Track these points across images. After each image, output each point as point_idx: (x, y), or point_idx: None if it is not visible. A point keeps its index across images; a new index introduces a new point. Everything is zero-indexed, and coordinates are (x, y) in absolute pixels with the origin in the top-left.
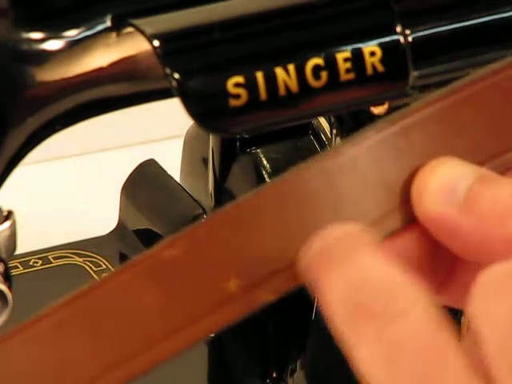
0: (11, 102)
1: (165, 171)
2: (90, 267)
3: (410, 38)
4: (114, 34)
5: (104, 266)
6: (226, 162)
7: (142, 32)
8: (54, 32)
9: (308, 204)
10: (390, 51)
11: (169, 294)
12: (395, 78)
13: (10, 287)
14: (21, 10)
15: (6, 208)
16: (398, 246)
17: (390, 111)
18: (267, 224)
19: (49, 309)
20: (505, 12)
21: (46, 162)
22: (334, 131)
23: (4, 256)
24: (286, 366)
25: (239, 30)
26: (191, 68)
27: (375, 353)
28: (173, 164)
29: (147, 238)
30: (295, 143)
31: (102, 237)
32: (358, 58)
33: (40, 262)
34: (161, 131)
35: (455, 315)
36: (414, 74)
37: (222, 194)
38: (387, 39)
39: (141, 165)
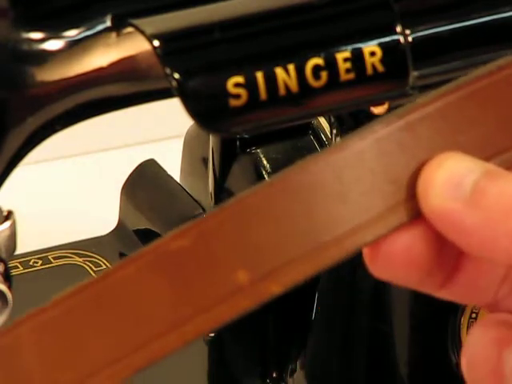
0: (11, 102)
1: (165, 171)
2: (90, 267)
3: (410, 38)
4: (113, 34)
5: (104, 266)
6: (225, 162)
7: (142, 32)
8: (54, 32)
9: (315, 197)
10: (390, 51)
11: (177, 284)
12: (395, 78)
13: (9, 287)
14: (21, 10)
15: (5, 208)
16: (403, 240)
17: (390, 111)
18: (275, 216)
19: (56, 299)
20: (505, 12)
21: (45, 162)
22: (334, 131)
23: (4, 256)
24: (286, 366)
25: (239, 30)
26: (191, 68)
27: None
28: (173, 164)
29: (147, 238)
30: (295, 143)
31: (101, 237)
32: (357, 57)
33: (40, 261)
34: (161, 131)
35: (455, 316)
36: (414, 74)
37: (222, 194)
38: (387, 39)
39: (141, 165)
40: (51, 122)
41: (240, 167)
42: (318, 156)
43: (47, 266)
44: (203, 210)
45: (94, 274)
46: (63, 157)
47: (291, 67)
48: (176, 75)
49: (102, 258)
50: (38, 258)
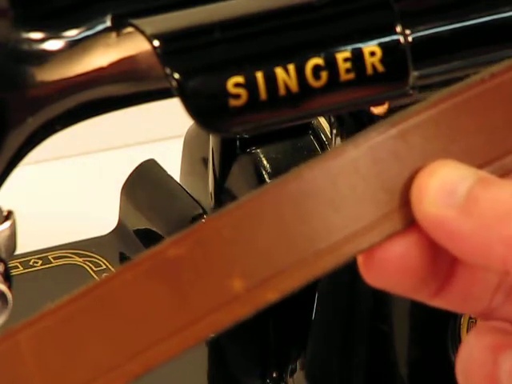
0: (11, 102)
1: (165, 171)
2: (90, 267)
3: (410, 38)
4: (113, 34)
5: (104, 266)
6: (226, 162)
7: (142, 32)
8: (54, 32)
9: (310, 204)
10: (390, 51)
11: (174, 292)
12: (395, 78)
13: (10, 287)
14: (21, 10)
15: (5, 208)
16: (397, 248)
17: (389, 111)
18: (270, 224)
19: (55, 305)
20: (505, 12)
21: (45, 161)
22: (334, 131)
23: (4, 256)
24: (286, 366)
25: (239, 30)
26: (191, 68)
27: None
28: (173, 164)
29: (147, 237)
30: (295, 143)
31: (102, 237)
32: (358, 57)
33: (40, 261)
34: (161, 131)
35: (455, 316)
36: (414, 74)
37: (222, 194)
38: (387, 39)
39: (141, 165)
40: (51, 122)
41: (240, 167)
42: (313, 163)
43: (47, 265)
44: (203, 209)
45: (93, 274)
46: (63, 157)
47: (291, 67)
48: (176, 75)
49: (102, 258)
50: (38, 258)
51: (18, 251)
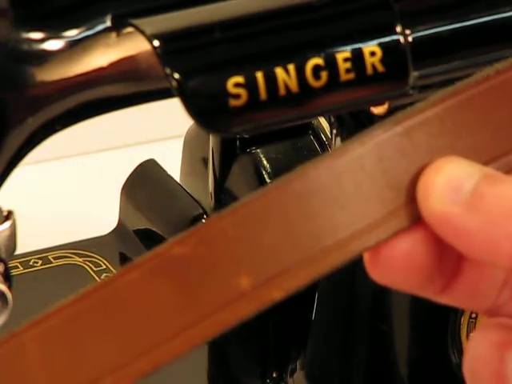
0: (11, 102)
1: (165, 171)
2: (90, 267)
3: (410, 38)
4: (113, 34)
5: (104, 266)
6: (226, 162)
7: (142, 32)
8: (54, 32)
9: (315, 202)
10: (390, 51)
11: (180, 290)
12: (395, 78)
13: (10, 287)
14: (21, 10)
15: (5, 208)
16: (403, 245)
17: (389, 111)
18: (276, 222)
19: (60, 304)
20: (505, 12)
21: (45, 161)
22: (334, 131)
23: (4, 256)
24: (286, 366)
25: (239, 30)
26: (191, 68)
27: None
28: (173, 164)
29: (147, 237)
30: (295, 143)
31: (102, 237)
32: (358, 57)
33: (40, 261)
34: (161, 131)
35: (455, 316)
36: (414, 74)
37: (222, 194)
38: (387, 39)
39: (141, 165)
40: (51, 122)
41: (240, 167)
42: (318, 161)
43: (47, 265)
44: (203, 209)
45: (93, 274)
46: (63, 157)
47: (291, 67)
48: (176, 75)
49: (102, 257)
50: (38, 258)
51: (18, 251)
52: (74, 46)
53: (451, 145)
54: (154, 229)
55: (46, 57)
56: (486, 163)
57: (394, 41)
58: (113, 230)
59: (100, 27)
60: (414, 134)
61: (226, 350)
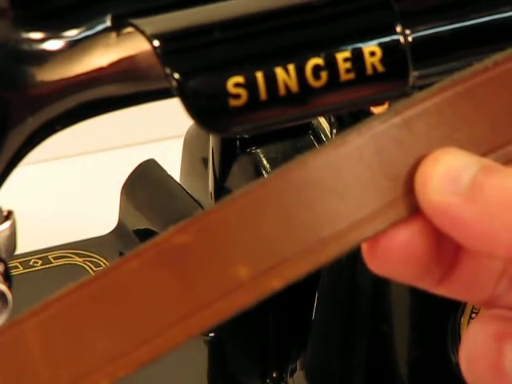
0: (11, 102)
1: (165, 171)
2: (90, 267)
3: (410, 38)
4: (113, 34)
5: (104, 266)
6: (226, 162)
7: (142, 32)
8: (54, 32)
9: (314, 192)
10: (390, 51)
11: (179, 279)
12: (395, 78)
13: (9, 287)
14: (21, 10)
15: (5, 208)
16: (401, 235)
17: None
18: (275, 212)
19: (60, 293)
20: (505, 12)
21: (45, 162)
22: (334, 131)
23: (4, 256)
24: (286, 366)
25: (239, 30)
26: (191, 68)
27: None
28: (173, 164)
29: (147, 238)
30: (295, 143)
31: (102, 237)
32: (358, 58)
33: (40, 261)
34: (161, 131)
35: (455, 316)
36: (414, 74)
37: (222, 194)
38: (387, 39)
39: (141, 165)
40: (51, 122)
41: (240, 167)
42: (317, 152)
43: (47, 265)
44: (203, 210)
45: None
46: (63, 157)
47: (291, 67)
48: (176, 75)
49: (102, 257)
50: (38, 258)
51: (18, 251)
52: (73, 46)
53: (449, 136)
54: (154, 229)
55: (46, 57)
56: (484, 154)
57: (393, 41)
58: (113, 230)
59: (100, 27)
60: (413, 125)
61: (226, 350)
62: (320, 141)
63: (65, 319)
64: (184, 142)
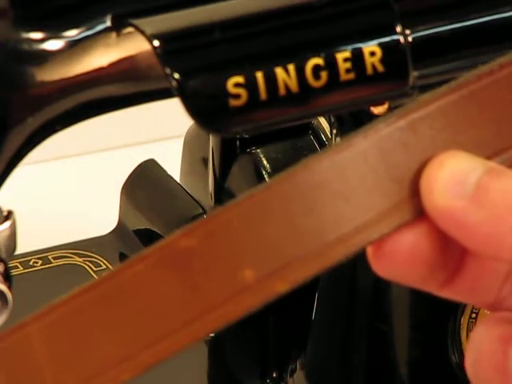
0: (11, 102)
1: (165, 171)
2: (90, 267)
3: (410, 38)
4: (113, 34)
5: (104, 266)
6: (226, 162)
7: (142, 32)
8: (54, 32)
9: (319, 196)
10: (390, 51)
11: (185, 283)
12: (395, 78)
13: (9, 287)
14: (21, 10)
15: (6, 208)
16: (407, 238)
17: (390, 111)
18: (280, 215)
19: (65, 297)
20: (505, 12)
21: (45, 162)
22: (334, 131)
23: (4, 256)
24: (286, 366)
25: (239, 30)
26: (191, 68)
27: None
28: (173, 164)
29: (147, 237)
30: (295, 143)
31: (102, 237)
32: (358, 58)
33: (40, 261)
34: (161, 131)
35: (455, 316)
36: (414, 74)
37: (222, 194)
38: (387, 39)
39: (141, 165)
40: (51, 122)
41: (240, 167)
42: (322, 155)
43: (47, 265)
44: (203, 209)
45: (93, 274)
46: (63, 157)
47: (291, 67)
48: (176, 75)
49: (102, 257)
50: (38, 258)
51: (18, 251)
52: (73, 46)
53: (455, 138)
54: (154, 229)
55: (46, 57)
56: (489, 157)
57: (394, 41)
58: (113, 230)
59: (100, 27)
60: (418, 128)
61: (226, 350)
62: (320, 141)
63: (70, 323)
64: (184, 142)
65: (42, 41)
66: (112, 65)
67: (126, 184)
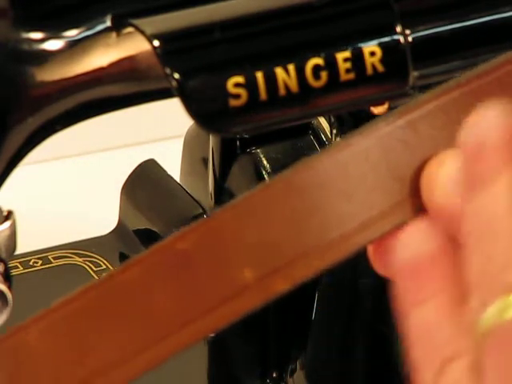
0: (11, 101)
1: (165, 171)
2: (90, 267)
3: (410, 38)
4: (113, 34)
5: (104, 266)
6: (226, 162)
7: (142, 32)
8: (54, 32)
9: (321, 194)
10: (390, 51)
11: (183, 285)
12: (395, 78)
13: (9, 287)
14: (21, 10)
15: (6, 208)
16: (408, 236)
17: (390, 111)
18: (280, 215)
19: (63, 300)
20: (505, 12)
21: (45, 162)
22: (334, 131)
23: (4, 256)
24: (286, 366)
25: (239, 30)
26: (191, 68)
27: None
28: (173, 164)
29: (147, 237)
30: (295, 143)
31: (102, 237)
32: (358, 58)
33: (40, 261)
34: (161, 131)
35: None
36: (414, 74)
37: (222, 194)
38: (387, 39)
39: (141, 165)
40: (51, 122)
41: (240, 167)
42: (323, 154)
43: (47, 265)
44: (203, 209)
45: (93, 274)
46: (63, 157)
47: (291, 67)
48: (176, 75)
49: (102, 257)
50: (38, 258)
51: (18, 251)
52: (73, 46)
53: (455, 137)
54: (154, 229)
55: (46, 57)
56: None
57: (394, 41)
58: (113, 230)
59: (100, 27)
60: (418, 126)
61: (226, 350)
62: (320, 141)
63: (68, 325)
64: (184, 142)
65: (42, 41)
66: (112, 65)
67: (125, 184)
